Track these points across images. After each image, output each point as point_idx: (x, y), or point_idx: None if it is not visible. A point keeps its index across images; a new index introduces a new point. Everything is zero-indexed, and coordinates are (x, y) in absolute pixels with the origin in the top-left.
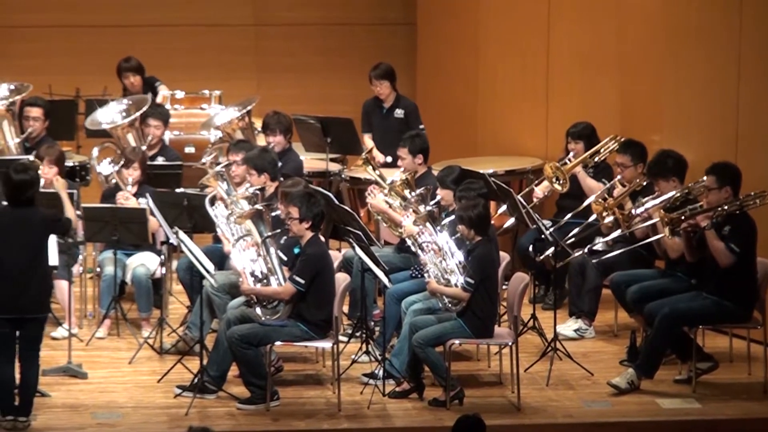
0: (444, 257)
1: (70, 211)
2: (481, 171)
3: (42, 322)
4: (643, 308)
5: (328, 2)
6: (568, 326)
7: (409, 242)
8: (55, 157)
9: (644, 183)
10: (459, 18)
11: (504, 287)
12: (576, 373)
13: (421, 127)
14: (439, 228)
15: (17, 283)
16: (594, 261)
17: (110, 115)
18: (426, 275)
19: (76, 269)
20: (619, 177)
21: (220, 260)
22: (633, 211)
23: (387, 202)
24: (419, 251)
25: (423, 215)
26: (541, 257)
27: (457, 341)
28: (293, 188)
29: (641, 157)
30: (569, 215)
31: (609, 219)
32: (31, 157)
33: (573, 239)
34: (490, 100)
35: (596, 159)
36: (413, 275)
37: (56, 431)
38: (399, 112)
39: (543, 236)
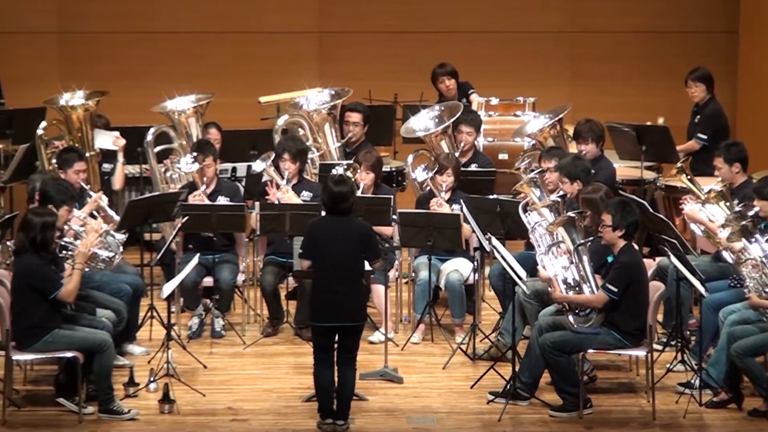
0: (762, 270)
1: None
2: None
3: (361, 329)
4: None
5: (646, 10)
6: None
7: (725, 254)
8: (372, 163)
9: None
10: None
11: None
12: None
13: (702, 136)
14: (754, 240)
15: (339, 292)
16: None
17: (424, 122)
18: (746, 290)
19: (392, 274)
20: None
21: (533, 267)
22: None
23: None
24: (737, 264)
25: (738, 228)
26: None
27: None
28: (594, 194)
29: None
30: None
31: None
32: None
33: None
34: None
35: None
36: (731, 285)
37: None
38: (697, 118)
39: None
